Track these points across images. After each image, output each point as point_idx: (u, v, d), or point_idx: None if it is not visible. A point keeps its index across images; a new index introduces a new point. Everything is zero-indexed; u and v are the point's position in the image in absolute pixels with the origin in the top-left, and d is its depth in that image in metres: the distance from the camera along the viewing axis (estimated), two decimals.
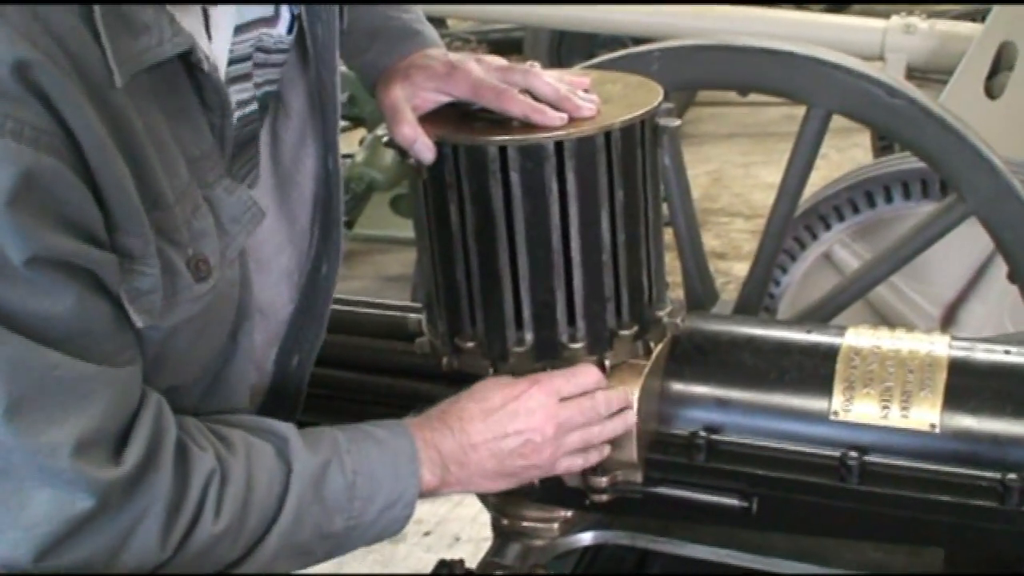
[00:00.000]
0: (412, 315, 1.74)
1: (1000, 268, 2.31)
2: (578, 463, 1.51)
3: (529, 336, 1.53)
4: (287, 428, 1.36)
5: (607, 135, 1.45)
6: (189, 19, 1.19)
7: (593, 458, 1.52)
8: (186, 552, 1.21)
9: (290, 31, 1.39)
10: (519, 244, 1.48)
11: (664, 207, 1.76)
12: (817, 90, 2.10)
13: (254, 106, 1.38)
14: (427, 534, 3.77)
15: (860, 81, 2.08)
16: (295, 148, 1.49)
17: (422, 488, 1.41)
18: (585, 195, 1.46)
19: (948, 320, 3.04)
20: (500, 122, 1.48)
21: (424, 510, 3.81)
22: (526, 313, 1.52)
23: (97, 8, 1.06)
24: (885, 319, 2.93)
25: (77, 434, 1.10)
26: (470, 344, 1.57)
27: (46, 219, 1.03)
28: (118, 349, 1.15)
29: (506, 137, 1.43)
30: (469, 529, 3.18)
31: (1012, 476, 1.44)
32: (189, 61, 1.17)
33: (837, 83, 2.09)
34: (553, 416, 1.46)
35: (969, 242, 2.50)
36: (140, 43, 1.10)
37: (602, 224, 1.49)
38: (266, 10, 1.34)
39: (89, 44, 1.05)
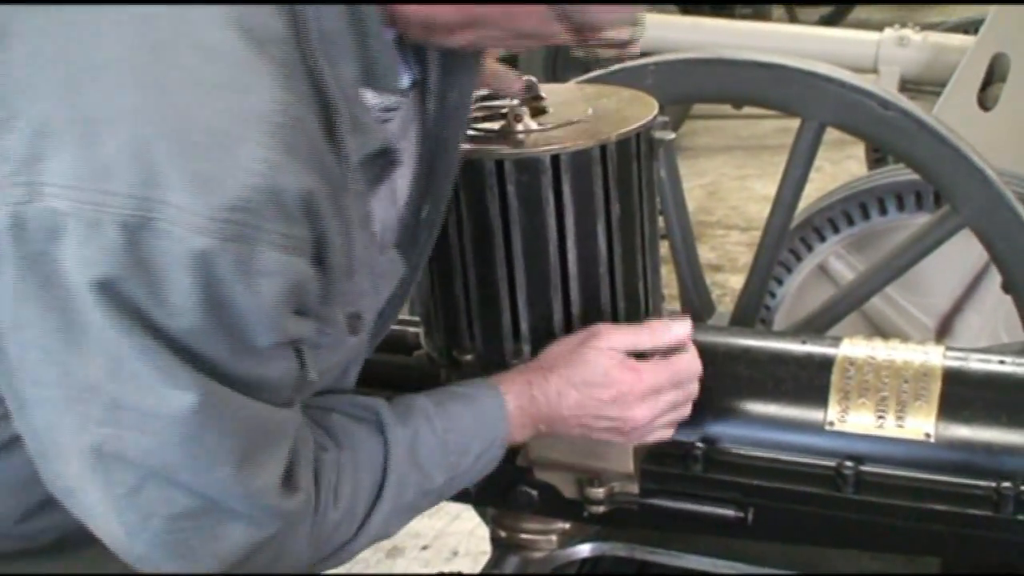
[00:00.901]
0: (411, 328, 1.75)
1: (995, 278, 2.33)
2: (661, 436, 1.55)
3: (527, 349, 1.55)
4: (378, 404, 1.42)
5: (603, 148, 1.46)
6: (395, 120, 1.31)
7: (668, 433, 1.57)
8: (323, 544, 1.32)
9: (406, 92, 1.39)
10: (516, 257, 1.49)
11: (660, 220, 1.78)
12: (811, 103, 2.11)
13: None
14: (425, 548, 3.77)
15: (853, 94, 2.10)
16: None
17: (513, 432, 1.48)
18: (581, 208, 1.47)
19: (943, 331, 3.05)
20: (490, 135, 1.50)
21: (422, 524, 3.84)
22: (524, 326, 1.53)
23: (342, 116, 1.13)
24: (880, 330, 2.94)
25: (280, 473, 1.20)
26: (468, 357, 1.58)
27: (291, 309, 1.12)
28: (289, 398, 1.23)
29: (503, 151, 1.45)
30: (467, 543, 3.18)
31: (1007, 484, 1.45)
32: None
33: (830, 96, 2.10)
34: (647, 412, 1.49)
35: (964, 253, 2.51)
36: (359, 140, 1.18)
37: (599, 237, 1.50)
38: None
39: (327, 149, 1.13)
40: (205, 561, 1.19)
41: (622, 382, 1.47)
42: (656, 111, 1.55)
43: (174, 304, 1.04)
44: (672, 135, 1.56)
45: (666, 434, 1.54)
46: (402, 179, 1.41)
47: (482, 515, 1.89)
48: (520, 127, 1.49)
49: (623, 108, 1.58)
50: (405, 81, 1.33)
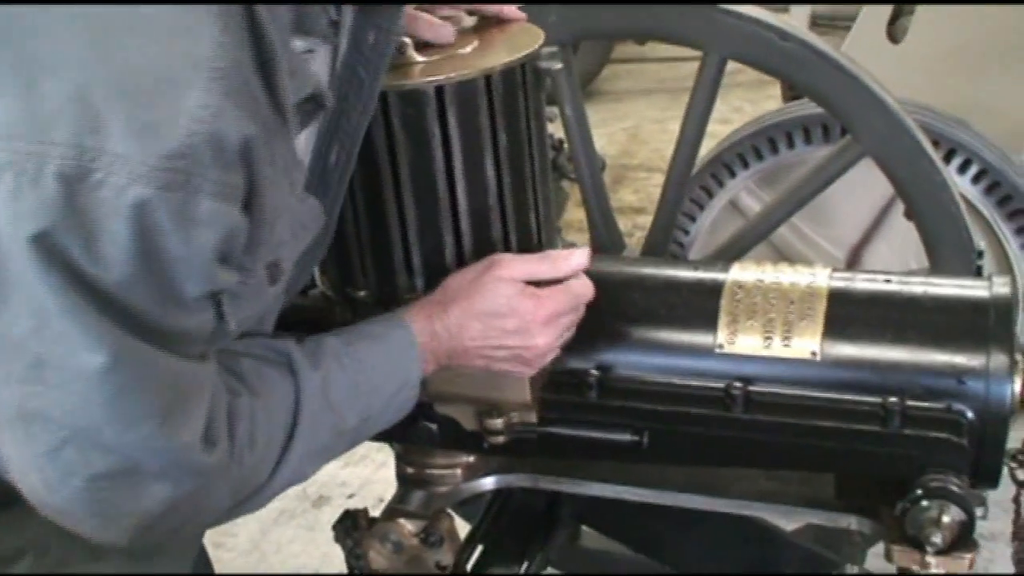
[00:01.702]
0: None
1: (902, 208, 2.36)
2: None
3: (420, 283, 1.55)
4: (289, 347, 1.41)
5: (487, 79, 1.46)
6: (316, 61, 1.32)
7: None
8: (243, 488, 1.32)
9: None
10: (405, 191, 1.50)
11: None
12: (711, 36, 2.12)
13: None
14: (351, 496, 3.79)
15: (752, 26, 2.11)
16: None
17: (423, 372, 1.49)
18: (468, 140, 1.48)
19: (854, 262, 3.10)
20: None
21: (347, 472, 3.85)
22: (416, 260, 1.54)
23: (282, 64, 1.12)
24: (792, 264, 2.97)
25: (200, 429, 1.20)
26: (362, 293, 1.58)
27: (220, 259, 1.12)
28: (205, 350, 1.23)
29: (387, 83, 1.44)
30: (393, 490, 3.18)
31: (893, 400, 1.48)
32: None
33: (729, 29, 2.11)
34: (548, 339, 1.52)
35: (871, 184, 2.54)
36: (293, 85, 1.18)
37: (487, 168, 1.51)
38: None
39: (265, 97, 1.12)
40: (125, 518, 1.20)
41: (524, 311, 1.49)
42: (541, 41, 1.55)
43: (107, 256, 1.04)
44: (558, 65, 1.56)
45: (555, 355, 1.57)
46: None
47: (391, 445, 1.90)
48: (404, 59, 1.49)
49: (510, 39, 1.58)
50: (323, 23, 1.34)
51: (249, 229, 1.14)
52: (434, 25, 1.56)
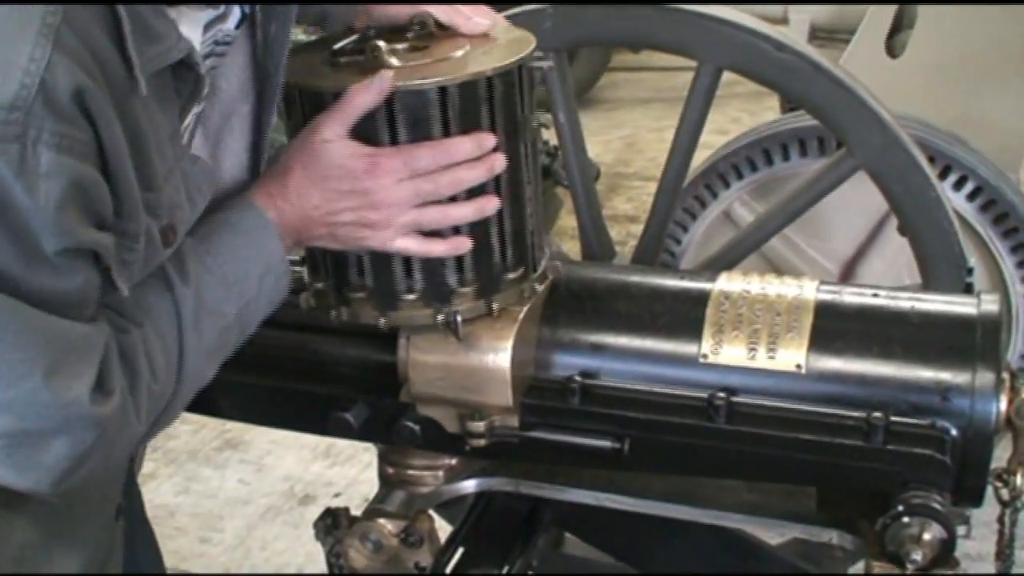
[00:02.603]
0: (296, 268, 1.74)
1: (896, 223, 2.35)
2: (415, 247, 1.52)
3: (419, 282, 1.54)
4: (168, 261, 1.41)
5: (488, 80, 1.47)
6: (186, 26, 1.32)
7: (436, 247, 1.52)
8: (151, 416, 1.35)
9: (238, 26, 1.47)
10: None
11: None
12: (705, 46, 2.12)
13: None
14: (337, 495, 3.79)
15: (748, 36, 2.10)
16: (218, 129, 1.55)
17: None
18: None
19: (847, 276, 3.09)
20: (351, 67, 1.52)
21: (335, 472, 3.85)
22: (415, 261, 1.53)
23: (127, 25, 1.17)
24: (781, 272, 2.97)
25: (89, 384, 1.21)
26: (359, 295, 1.58)
27: (79, 216, 1.15)
28: (99, 307, 1.27)
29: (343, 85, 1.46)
30: None
31: (877, 415, 1.47)
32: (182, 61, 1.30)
33: (725, 39, 2.11)
34: (388, 197, 1.47)
35: (866, 198, 2.54)
36: (154, 50, 1.23)
37: None
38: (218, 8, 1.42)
39: (116, 58, 1.17)
40: (36, 474, 1.24)
41: (355, 168, 1.46)
42: (532, 46, 1.55)
43: None
44: (549, 63, 1.56)
45: (417, 247, 1.51)
46: (245, 107, 1.51)
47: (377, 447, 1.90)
48: (381, 61, 1.49)
49: (503, 44, 1.57)
50: (236, 16, 1.41)
51: (116, 190, 1.19)
52: (469, 18, 1.59)
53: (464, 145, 1.47)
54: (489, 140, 1.49)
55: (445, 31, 1.59)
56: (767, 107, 6.03)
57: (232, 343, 1.47)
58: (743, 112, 6.34)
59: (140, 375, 1.31)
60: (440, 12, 1.59)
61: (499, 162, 1.50)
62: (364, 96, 1.44)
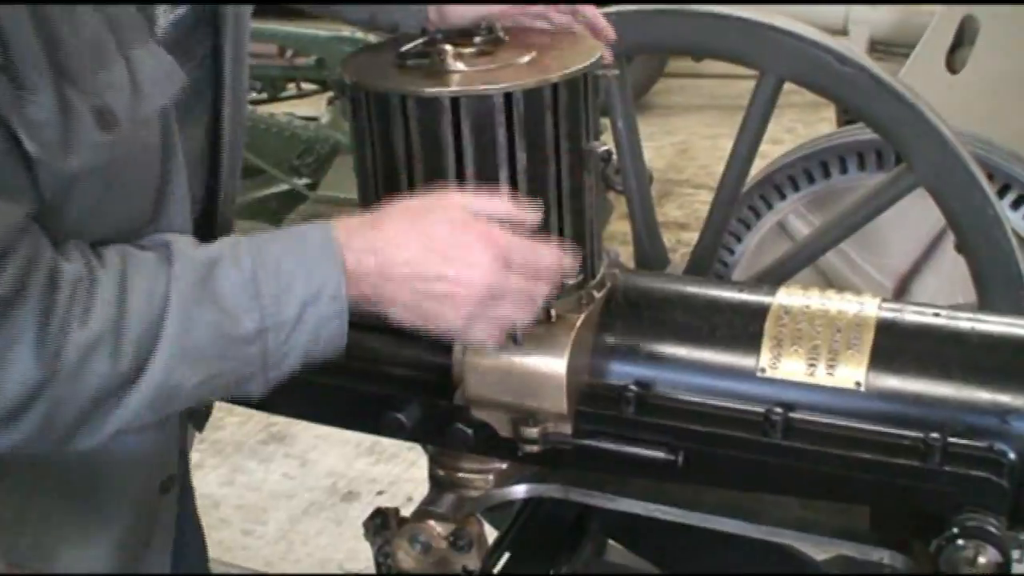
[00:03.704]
0: None
1: (952, 240, 2.34)
2: (493, 341, 1.41)
3: None
4: (175, 236, 1.33)
5: (554, 87, 1.47)
6: None
7: (485, 336, 1.40)
8: (64, 365, 1.19)
9: None
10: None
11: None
12: (768, 56, 2.11)
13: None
14: (380, 493, 3.81)
15: (811, 48, 2.10)
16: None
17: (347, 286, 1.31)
18: (480, 152, 1.48)
19: (901, 292, 3.07)
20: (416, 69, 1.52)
21: (378, 470, 3.87)
22: None
23: None
24: (835, 287, 2.95)
25: None
26: None
27: None
28: (3, 182, 1.17)
29: (409, 87, 1.47)
30: (423, 489, 3.22)
31: (934, 435, 1.46)
32: None
33: (788, 50, 2.10)
34: (492, 280, 1.34)
35: (923, 214, 2.52)
36: None
37: (549, 176, 1.52)
38: None
39: None
40: None
41: (469, 237, 1.34)
42: (600, 52, 1.55)
43: None
44: (615, 71, 1.56)
45: (490, 335, 1.40)
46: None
47: (425, 450, 1.90)
48: (446, 65, 1.50)
49: (568, 50, 1.57)
50: None
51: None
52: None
53: (548, 255, 1.40)
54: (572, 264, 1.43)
55: (513, 36, 1.60)
56: (822, 118, 6.00)
57: (236, 364, 1.30)
58: (798, 122, 6.32)
59: (57, 308, 1.18)
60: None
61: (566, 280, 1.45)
62: (503, 205, 1.39)
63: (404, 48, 1.56)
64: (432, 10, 1.72)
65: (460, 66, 1.50)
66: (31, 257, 1.18)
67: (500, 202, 1.41)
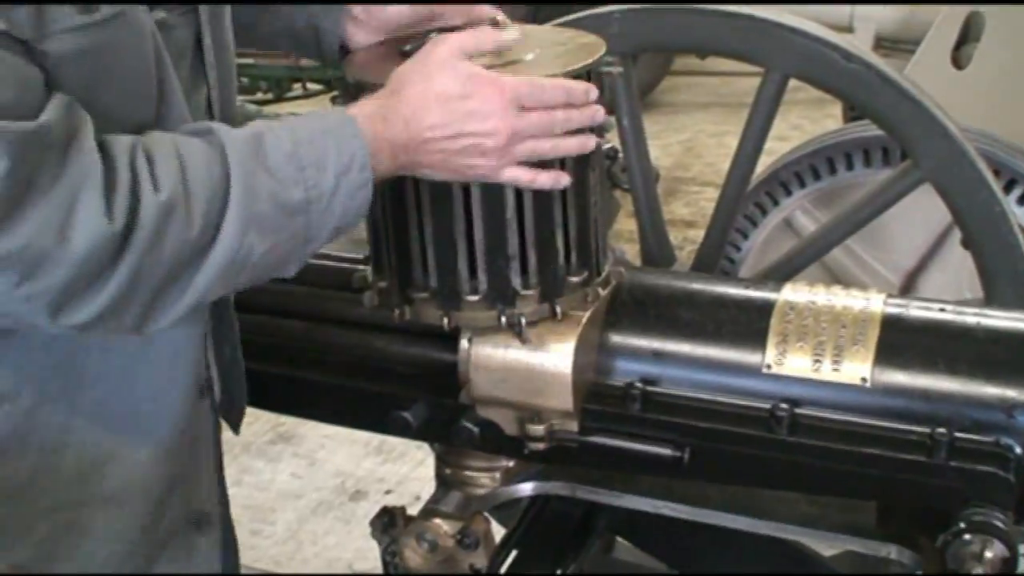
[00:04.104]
0: (360, 267, 1.75)
1: (959, 236, 2.33)
2: (524, 177, 1.48)
3: (483, 285, 1.55)
4: (210, 122, 1.38)
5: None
6: None
7: (543, 178, 1.49)
8: (141, 225, 1.24)
9: None
10: (423, 197, 1.52)
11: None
12: (773, 53, 2.11)
13: None
14: (388, 492, 3.80)
15: (816, 45, 2.09)
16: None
17: (371, 159, 1.39)
18: None
19: (907, 288, 3.06)
20: None
21: (386, 469, 3.87)
22: (480, 262, 1.54)
23: None
24: (841, 283, 2.94)
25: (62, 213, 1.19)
26: (422, 294, 1.58)
27: None
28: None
29: None
30: (430, 488, 3.24)
31: (941, 431, 1.46)
32: None
33: (794, 46, 2.10)
34: (510, 124, 1.42)
35: (929, 210, 2.51)
36: None
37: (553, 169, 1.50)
38: None
39: None
40: (41, 316, 1.24)
41: (485, 89, 1.42)
42: (603, 50, 1.55)
43: None
44: (619, 68, 1.56)
45: (522, 173, 1.47)
46: None
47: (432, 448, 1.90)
48: None
49: (572, 49, 1.57)
50: None
51: None
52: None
53: (580, 88, 1.47)
54: (595, 91, 1.49)
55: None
56: (828, 115, 5.99)
57: (292, 232, 1.36)
58: (804, 119, 6.31)
59: (118, 165, 1.24)
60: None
61: (599, 114, 1.50)
62: (490, 36, 1.48)
63: (407, 46, 1.56)
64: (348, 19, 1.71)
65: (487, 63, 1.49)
66: (70, 104, 1.22)
67: (486, 33, 1.50)
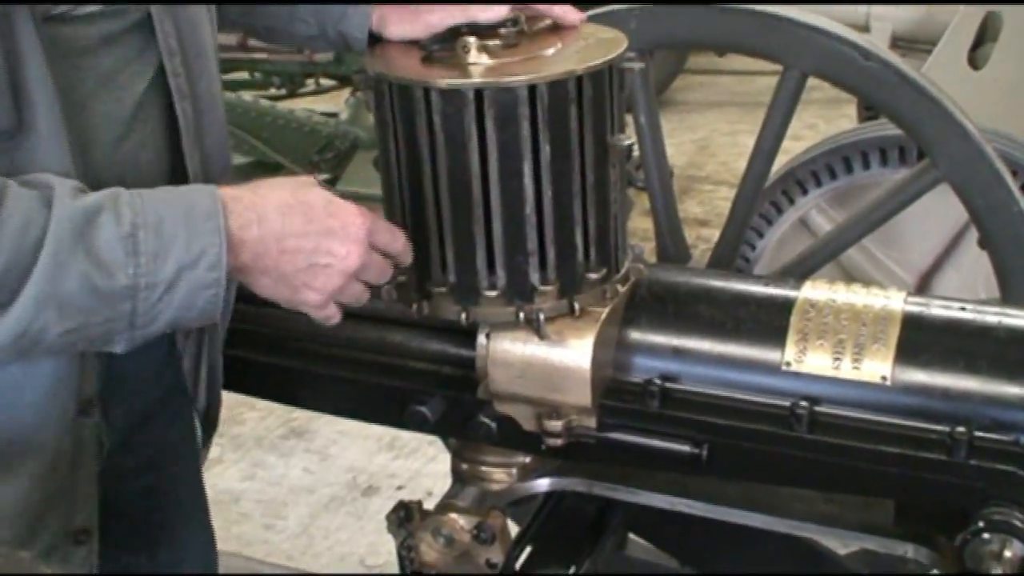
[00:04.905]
0: None
1: (975, 235, 2.33)
2: (331, 313, 1.45)
3: (502, 280, 1.55)
4: (63, 180, 1.28)
5: (531, 88, 1.45)
6: None
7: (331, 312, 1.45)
8: None
9: None
10: (441, 190, 1.51)
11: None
12: (792, 51, 2.10)
13: None
14: (400, 488, 3.81)
15: (835, 43, 2.09)
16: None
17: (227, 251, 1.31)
18: (504, 146, 1.47)
19: (923, 288, 3.06)
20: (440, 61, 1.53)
21: (398, 465, 3.88)
22: (499, 256, 1.53)
23: None
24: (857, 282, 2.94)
25: None
26: (441, 289, 1.58)
27: None
28: None
29: (433, 80, 1.46)
30: (442, 484, 3.25)
31: (961, 429, 1.46)
32: None
33: (812, 44, 2.09)
34: (360, 259, 1.40)
35: (945, 210, 2.51)
36: None
37: (524, 178, 1.50)
38: None
39: None
40: None
41: (348, 214, 1.40)
42: (625, 45, 1.55)
43: None
44: (639, 64, 1.55)
45: (334, 310, 1.45)
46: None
47: (446, 444, 1.90)
48: (471, 58, 1.50)
49: (592, 44, 1.57)
50: None
51: None
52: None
53: (401, 239, 1.49)
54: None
55: (538, 29, 1.60)
56: (843, 114, 5.98)
57: (108, 322, 1.28)
58: (819, 118, 6.30)
59: None
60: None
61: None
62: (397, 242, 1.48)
63: (428, 40, 1.56)
64: (375, 18, 1.70)
65: (484, 58, 1.50)
66: None
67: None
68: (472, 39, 1.51)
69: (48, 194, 1.24)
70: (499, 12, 1.58)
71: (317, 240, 1.37)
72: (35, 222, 1.22)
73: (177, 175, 1.53)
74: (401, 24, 1.66)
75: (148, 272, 1.26)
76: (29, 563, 1.19)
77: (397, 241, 1.48)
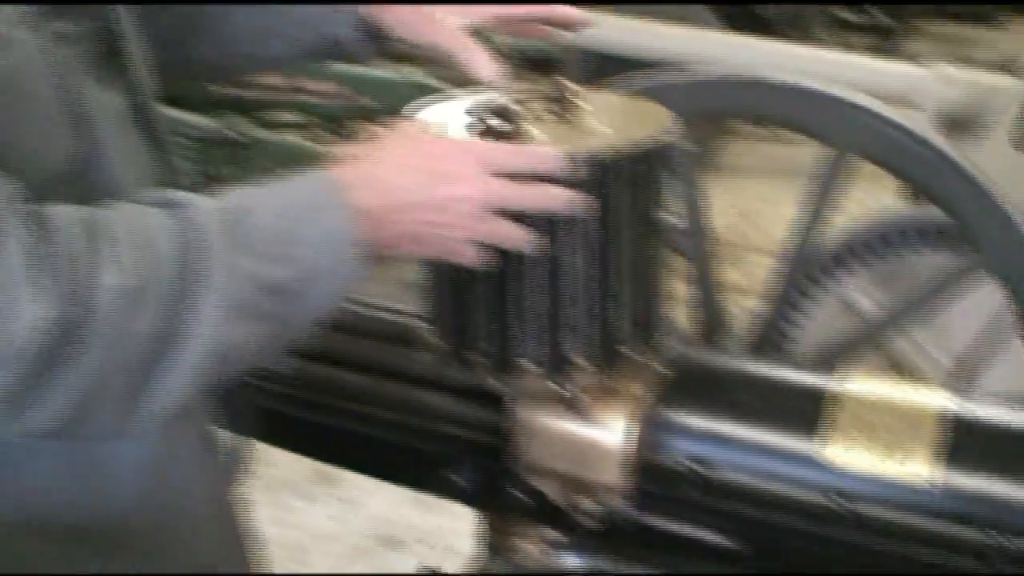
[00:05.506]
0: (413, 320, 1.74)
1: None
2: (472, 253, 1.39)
3: (541, 354, 1.53)
4: (171, 191, 1.23)
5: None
6: None
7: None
8: (95, 314, 1.09)
9: None
10: (532, 264, 1.48)
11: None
12: (837, 130, 2.10)
13: None
14: (423, 542, 3.80)
15: (880, 124, 2.08)
16: None
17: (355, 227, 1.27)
18: (604, 213, 1.46)
19: (967, 378, 3.02)
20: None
21: (424, 519, 3.86)
22: (539, 331, 1.51)
23: None
24: (895, 366, 2.91)
25: None
26: (477, 357, 1.57)
27: None
28: None
29: None
30: (464, 542, 3.25)
31: (1000, 537, 1.43)
32: None
33: (859, 125, 2.08)
34: (483, 195, 1.34)
35: (986, 294, 2.49)
36: None
37: (620, 241, 1.49)
38: None
39: None
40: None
41: (457, 154, 1.35)
42: (669, 121, 1.53)
43: None
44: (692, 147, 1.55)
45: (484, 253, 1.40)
46: None
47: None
48: (520, 128, 1.47)
49: (639, 124, 1.56)
50: None
51: None
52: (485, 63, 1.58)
53: (530, 153, 1.40)
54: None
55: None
56: (886, 187, 5.94)
57: (272, 324, 1.23)
58: (865, 194, 6.27)
59: (56, 247, 1.08)
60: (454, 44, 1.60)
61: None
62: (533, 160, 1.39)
63: (473, 108, 1.54)
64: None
65: (538, 133, 1.48)
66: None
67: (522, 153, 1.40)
68: (518, 107, 1.49)
69: (178, 209, 1.19)
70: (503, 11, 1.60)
71: (432, 191, 1.31)
72: (184, 234, 1.16)
73: None
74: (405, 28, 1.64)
75: (300, 257, 1.22)
76: None
77: (524, 157, 1.38)
